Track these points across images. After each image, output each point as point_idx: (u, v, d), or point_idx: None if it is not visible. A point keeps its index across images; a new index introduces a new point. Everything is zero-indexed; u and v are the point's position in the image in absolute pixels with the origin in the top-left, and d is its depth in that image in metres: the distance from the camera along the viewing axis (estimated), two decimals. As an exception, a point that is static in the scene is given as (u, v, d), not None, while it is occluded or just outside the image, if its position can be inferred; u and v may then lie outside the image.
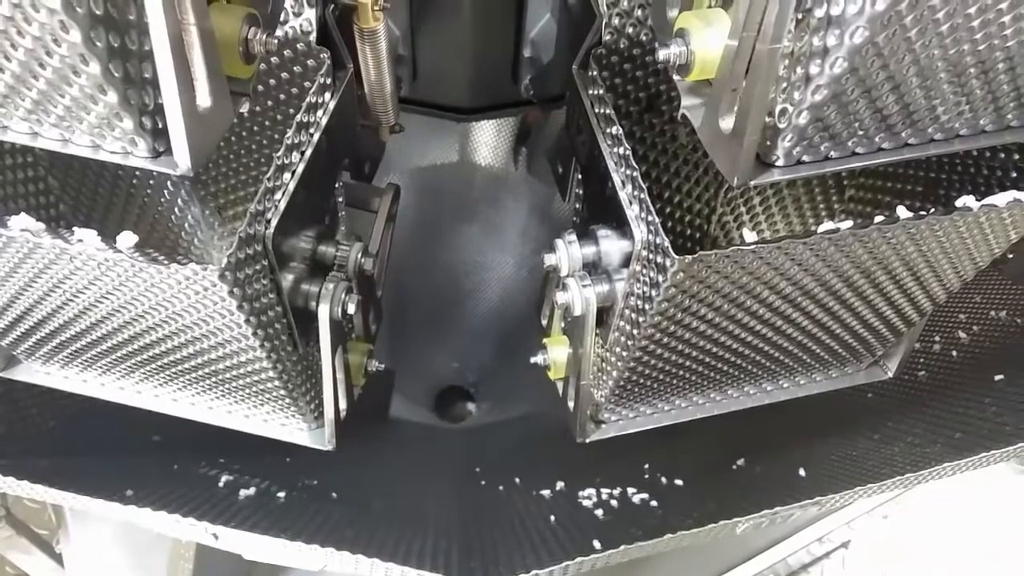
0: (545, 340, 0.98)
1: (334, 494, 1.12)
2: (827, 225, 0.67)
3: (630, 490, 1.14)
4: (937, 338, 1.31)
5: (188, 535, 1.00)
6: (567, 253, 0.83)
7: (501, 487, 1.24)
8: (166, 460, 1.10)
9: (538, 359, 0.97)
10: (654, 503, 1.10)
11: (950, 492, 1.91)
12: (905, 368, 1.21)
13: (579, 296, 0.81)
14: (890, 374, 1.02)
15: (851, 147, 0.63)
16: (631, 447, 1.22)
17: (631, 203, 0.74)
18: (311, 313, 0.82)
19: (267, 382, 0.82)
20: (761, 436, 1.20)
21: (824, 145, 0.62)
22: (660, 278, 0.68)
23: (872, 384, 1.18)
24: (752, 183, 0.62)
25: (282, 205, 0.70)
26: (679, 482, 1.16)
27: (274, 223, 0.69)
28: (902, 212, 0.67)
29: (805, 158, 0.62)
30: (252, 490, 1.05)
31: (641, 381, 0.86)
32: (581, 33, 0.88)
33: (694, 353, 0.82)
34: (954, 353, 1.28)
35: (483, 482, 1.29)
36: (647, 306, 0.72)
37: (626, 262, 0.77)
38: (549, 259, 0.84)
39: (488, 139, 1.37)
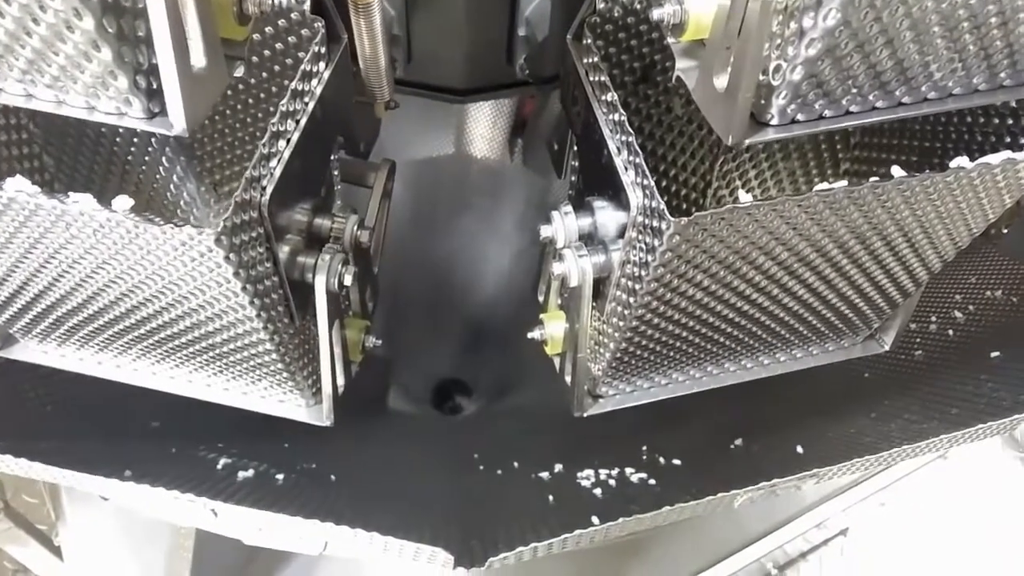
0: (542, 315, 0.98)
1: (333, 476, 1.12)
2: (822, 186, 0.67)
3: (628, 470, 1.14)
4: (933, 318, 1.31)
5: (187, 515, 1.00)
6: (563, 224, 0.83)
7: (499, 471, 1.24)
8: (164, 444, 1.10)
9: (535, 334, 0.97)
10: (652, 482, 1.10)
11: (948, 479, 1.91)
12: (902, 348, 1.20)
13: (575, 266, 0.81)
14: (886, 347, 1.02)
15: (845, 105, 0.63)
16: (629, 431, 1.22)
17: (627, 169, 0.74)
18: (308, 286, 0.82)
19: (264, 355, 0.82)
20: (759, 417, 1.20)
21: (819, 103, 0.62)
22: (656, 242, 0.68)
23: (869, 365, 1.18)
24: (747, 142, 0.63)
25: (277, 172, 0.70)
26: (677, 462, 1.16)
27: (269, 190, 0.69)
28: (896, 171, 0.67)
29: (800, 116, 0.63)
30: (251, 472, 1.05)
31: (638, 353, 0.86)
32: (575, 11, 0.88)
33: (690, 323, 0.82)
34: (950, 332, 1.28)
35: (481, 467, 1.29)
36: (643, 272, 0.72)
37: (622, 232, 0.77)
38: (545, 231, 0.84)
39: (485, 120, 1.37)
